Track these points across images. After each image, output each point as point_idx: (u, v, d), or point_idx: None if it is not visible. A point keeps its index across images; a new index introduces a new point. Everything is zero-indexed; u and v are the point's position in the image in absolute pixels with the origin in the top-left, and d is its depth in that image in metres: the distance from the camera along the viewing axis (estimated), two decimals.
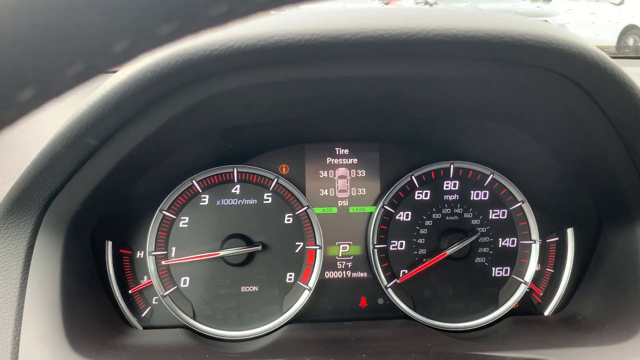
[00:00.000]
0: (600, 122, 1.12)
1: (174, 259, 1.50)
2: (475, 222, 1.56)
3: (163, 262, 1.50)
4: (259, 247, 1.50)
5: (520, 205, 1.56)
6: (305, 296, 1.51)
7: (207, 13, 0.40)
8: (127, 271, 1.52)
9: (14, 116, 0.40)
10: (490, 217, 1.56)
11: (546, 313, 1.55)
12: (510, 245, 1.57)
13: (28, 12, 0.36)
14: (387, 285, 1.53)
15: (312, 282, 1.52)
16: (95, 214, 1.33)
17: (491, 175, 1.56)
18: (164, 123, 1.05)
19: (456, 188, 1.56)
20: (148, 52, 0.41)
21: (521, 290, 1.54)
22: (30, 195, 1.16)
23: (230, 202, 1.53)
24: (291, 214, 1.55)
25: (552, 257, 1.59)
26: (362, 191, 1.61)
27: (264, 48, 0.87)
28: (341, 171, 1.61)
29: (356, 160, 1.61)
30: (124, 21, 0.38)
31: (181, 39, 0.42)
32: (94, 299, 1.36)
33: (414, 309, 1.53)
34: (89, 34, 0.38)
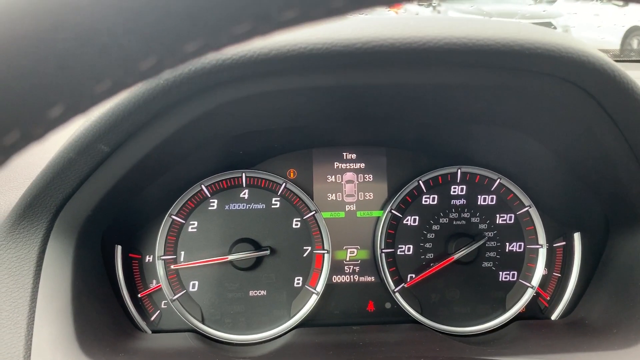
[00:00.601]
0: (608, 129, 1.13)
1: (182, 263, 1.51)
2: (482, 226, 1.57)
3: (172, 267, 1.51)
4: (267, 252, 1.51)
5: (527, 210, 1.56)
6: (313, 300, 1.52)
7: (232, 31, 0.41)
8: (137, 275, 1.53)
9: (42, 132, 0.41)
10: (497, 222, 1.57)
11: (553, 317, 1.56)
12: (517, 250, 1.57)
13: (61, 30, 0.37)
14: (395, 290, 1.54)
15: (320, 286, 1.53)
16: (106, 219, 1.34)
17: (498, 180, 1.56)
18: (175, 130, 1.06)
19: (463, 193, 1.57)
20: (173, 67, 0.42)
21: (528, 295, 1.55)
22: (42, 200, 1.17)
23: (238, 206, 1.54)
24: (299, 219, 1.55)
25: (559, 262, 1.60)
26: (369, 196, 1.62)
27: (276, 57, 0.88)
28: (349, 176, 1.62)
29: (364, 164, 1.62)
30: (152, 40, 0.39)
31: (205, 54, 0.42)
32: (104, 303, 1.37)
33: (422, 313, 1.54)
34: (119, 53, 0.38)
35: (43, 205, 1.18)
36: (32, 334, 1.11)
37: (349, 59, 0.89)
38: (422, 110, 1.24)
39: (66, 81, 0.38)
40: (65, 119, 0.41)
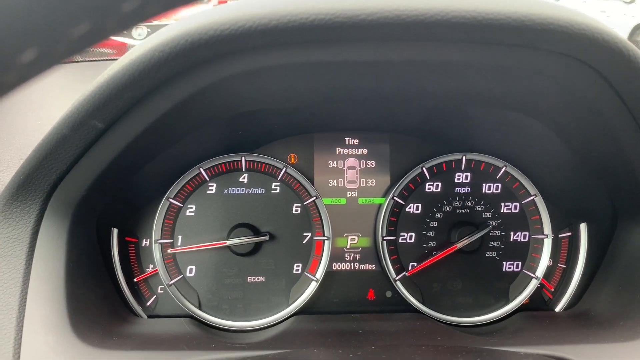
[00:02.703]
0: (618, 112, 1.09)
1: (180, 247, 1.48)
2: (486, 215, 1.53)
3: (169, 251, 1.48)
4: (266, 237, 1.48)
5: (532, 199, 1.53)
6: (312, 287, 1.49)
7: None
8: (133, 259, 1.50)
9: (15, 80, 0.37)
10: (502, 211, 1.53)
11: (557, 309, 1.52)
12: (522, 240, 1.54)
13: None
14: (396, 278, 1.50)
15: (320, 273, 1.50)
16: (101, 200, 1.31)
17: (504, 168, 1.53)
18: (172, 107, 1.03)
19: (468, 180, 1.54)
20: (157, 13, 0.39)
21: (532, 286, 1.51)
22: (35, 179, 1.14)
23: (237, 191, 1.51)
24: (299, 204, 1.52)
25: (565, 253, 1.56)
26: (371, 182, 1.58)
27: (276, 28, 0.84)
28: (351, 162, 1.58)
29: (366, 150, 1.58)
30: None
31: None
32: (98, 286, 1.34)
33: (423, 303, 1.51)
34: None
35: (36, 185, 1.15)
36: (23, 316, 1.08)
37: (353, 31, 0.85)
38: (426, 92, 1.20)
39: (39, 22, 0.35)
40: (41, 66, 0.38)
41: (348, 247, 1.57)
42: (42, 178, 1.15)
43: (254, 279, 1.50)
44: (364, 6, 0.83)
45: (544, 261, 1.52)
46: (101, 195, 1.28)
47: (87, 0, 0.35)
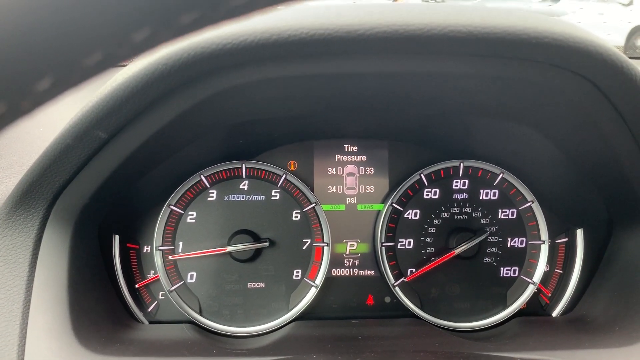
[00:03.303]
0: (613, 122, 1.11)
1: (181, 254, 1.50)
2: (484, 221, 1.55)
3: (170, 257, 1.50)
4: (267, 244, 1.50)
5: (529, 205, 1.54)
6: (312, 293, 1.51)
7: (230, 3, 0.39)
8: (134, 265, 1.52)
9: (30, 106, 0.39)
10: (499, 217, 1.55)
11: (554, 314, 1.54)
12: (519, 246, 1.55)
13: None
14: (395, 284, 1.52)
15: (319, 279, 1.51)
16: (103, 208, 1.33)
17: (501, 175, 1.54)
18: (174, 117, 1.04)
19: (465, 187, 1.55)
20: (168, 42, 0.40)
21: (529, 291, 1.53)
22: (39, 187, 1.16)
23: (238, 197, 1.52)
24: (299, 211, 1.54)
25: (561, 258, 1.58)
26: (370, 189, 1.60)
27: (277, 42, 0.86)
28: (350, 168, 1.60)
29: (365, 157, 1.60)
30: (146, 10, 0.37)
31: (202, 29, 0.41)
32: (100, 292, 1.35)
33: (421, 308, 1.52)
34: (110, 22, 0.37)
35: (40, 193, 1.17)
36: (27, 323, 1.10)
37: (352, 45, 0.87)
38: (424, 101, 1.22)
39: (55, 52, 0.37)
40: (55, 92, 0.39)
41: (347, 253, 1.59)
42: (45, 186, 1.16)
43: (254, 284, 1.52)
44: (363, 21, 0.85)
45: (541, 267, 1.54)
46: (103, 202, 1.30)
47: (101, 31, 0.37)
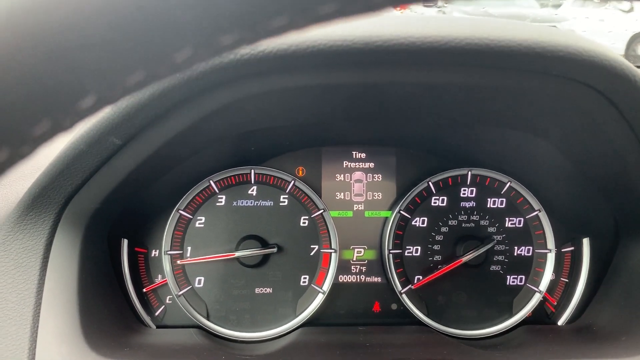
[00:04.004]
0: (623, 133, 1.12)
1: (189, 258, 1.50)
2: (491, 229, 1.56)
3: (178, 262, 1.50)
4: (274, 249, 1.50)
5: (536, 214, 1.55)
6: (319, 299, 1.51)
7: (268, 25, 0.40)
8: (142, 270, 1.52)
9: (72, 123, 0.40)
10: (506, 225, 1.56)
11: (560, 323, 1.55)
12: (526, 254, 1.56)
13: (96, 18, 0.36)
14: (402, 291, 1.53)
15: (327, 285, 1.52)
16: (114, 213, 1.33)
17: (508, 183, 1.55)
18: (188, 125, 1.05)
19: (473, 195, 1.56)
20: (206, 60, 0.41)
21: (535, 299, 1.54)
22: (51, 192, 1.16)
23: (246, 203, 1.53)
24: (307, 217, 1.54)
25: (567, 267, 1.59)
26: (378, 195, 1.61)
27: (295, 53, 0.86)
28: (357, 175, 1.61)
29: (373, 164, 1.61)
30: (188, 32, 0.38)
31: (240, 47, 0.41)
32: (109, 296, 1.36)
33: (428, 315, 1.53)
34: (154, 43, 0.37)
35: (51, 197, 1.17)
36: (37, 327, 1.10)
37: (369, 57, 0.87)
38: (436, 111, 1.23)
39: (101, 72, 0.37)
40: (96, 109, 0.40)
41: (354, 259, 1.59)
42: (57, 191, 1.17)
43: (261, 290, 1.52)
44: (380, 33, 0.86)
45: (547, 275, 1.54)
46: (113, 208, 1.31)
47: (145, 52, 0.38)
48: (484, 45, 0.87)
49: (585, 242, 1.55)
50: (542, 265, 1.55)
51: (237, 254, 1.48)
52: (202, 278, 1.51)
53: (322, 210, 1.54)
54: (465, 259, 1.50)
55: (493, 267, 1.55)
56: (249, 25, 0.39)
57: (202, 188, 1.51)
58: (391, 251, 1.54)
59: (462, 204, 1.56)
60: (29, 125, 0.37)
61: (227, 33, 0.39)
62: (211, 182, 1.51)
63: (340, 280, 1.58)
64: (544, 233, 1.55)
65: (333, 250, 1.53)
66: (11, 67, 0.34)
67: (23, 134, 0.37)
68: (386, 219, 1.59)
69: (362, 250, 1.59)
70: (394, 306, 1.57)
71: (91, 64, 0.37)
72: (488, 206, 1.56)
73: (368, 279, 1.59)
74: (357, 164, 1.61)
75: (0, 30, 0.34)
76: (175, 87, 0.94)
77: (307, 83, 0.95)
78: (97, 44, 0.37)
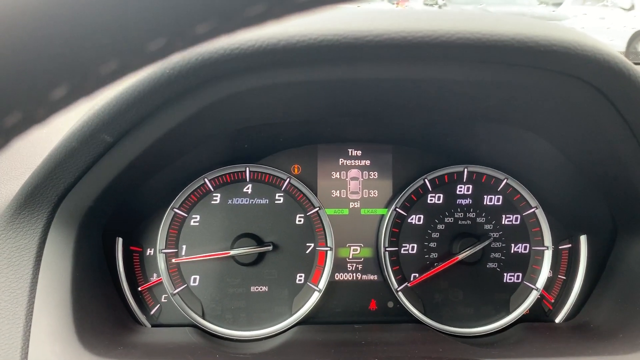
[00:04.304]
0: (619, 129, 1.11)
1: (184, 257, 1.50)
2: (488, 227, 1.55)
3: (173, 260, 1.49)
4: (270, 247, 1.50)
5: (533, 211, 1.54)
6: (315, 297, 1.50)
7: (245, 13, 0.39)
8: (137, 268, 1.51)
9: (45, 114, 0.39)
10: (503, 222, 1.55)
11: (557, 320, 1.54)
12: (523, 251, 1.55)
13: (66, 7, 0.35)
14: (398, 289, 1.52)
15: (322, 283, 1.51)
16: (107, 211, 1.33)
17: (505, 180, 1.54)
18: (180, 121, 1.04)
19: (469, 192, 1.55)
20: (182, 50, 0.40)
21: (533, 297, 1.53)
22: (43, 190, 1.16)
23: (241, 201, 1.52)
24: (302, 215, 1.54)
25: (564, 264, 1.58)
26: (374, 193, 1.60)
27: (285, 48, 0.86)
28: (353, 172, 1.60)
29: (369, 162, 1.60)
30: (162, 20, 0.37)
31: (216, 38, 0.41)
32: (103, 295, 1.35)
33: (424, 313, 1.52)
34: (126, 32, 0.37)
35: (44, 195, 1.17)
36: (30, 325, 1.10)
37: (360, 52, 0.87)
38: (430, 107, 1.22)
39: (71, 61, 0.37)
40: (69, 101, 0.39)
41: (350, 257, 1.59)
42: (50, 189, 1.16)
43: (257, 288, 1.51)
44: (371, 28, 0.85)
45: (544, 273, 1.54)
46: (107, 205, 1.30)
47: (117, 41, 0.37)
48: (476, 40, 0.86)
49: (583, 239, 1.54)
50: (539, 262, 1.55)
51: (233, 252, 1.47)
52: (198, 277, 1.51)
53: (318, 208, 1.53)
54: (461, 256, 1.49)
55: (490, 265, 1.55)
56: (224, 13, 0.38)
57: (197, 186, 1.51)
58: (387, 249, 1.53)
59: (459, 201, 1.55)
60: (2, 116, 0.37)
61: (201, 22, 0.38)
62: (206, 180, 1.51)
63: (336, 279, 1.58)
64: (541, 230, 1.55)
65: (329, 248, 1.53)
66: None
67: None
68: (382, 216, 1.58)
69: (358, 248, 1.59)
70: (390, 304, 1.57)
71: (63, 52, 0.36)
72: (484, 203, 1.55)
73: (364, 277, 1.58)
74: (353, 161, 1.60)
75: None
76: (165, 83, 0.93)
77: (298, 78, 0.94)
78: (69, 32, 0.36)
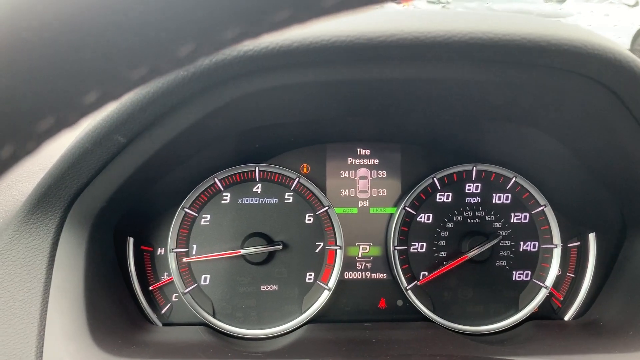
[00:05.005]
0: (629, 127, 1.11)
1: (194, 256, 1.51)
2: (496, 225, 1.55)
3: (184, 260, 1.50)
4: (280, 246, 1.50)
5: (542, 209, 1.55)
6: (324, 296, 1.51)
7: (271, 18, 0.40)
8: (148, 268, 1.52)
9: (76, 118, 0.40)
10: (512, 221, 1.55)
11: (566, 318, 1.54)
12: (532, 249, 1.56)
13: (98, 15, 0.36)
14: (407, 287, 1.53)
15: (332, 282, 1.52)
16: (119, 211, 1.34)
17: (514, 179, 1.55)
18: (193, 122, 1.05)
19: (478, 191, 1.56)
20: (210, 54, 0.41)
21: (542, 295, 1.53)
22: (57, 191, 1.17)
23: (251, 200, 1.53)
24: (312, 214, 1.54)
25: (573, 262, 1.58)
26: (383, 192, 1.60)
27: (298, 49, 0.86)
28: (362, 171, 1.61)
29: (377, 160, 1.61)
30: (192, 25, 0.38)
31: (242, 42, 0.41)
32: (116, 295, 1.36)
33: (434, 312, 1.52)
34: (156, 39, 0.37)
35: (57, 196, 1.18)
36: (44, 325, 1.11)
37: (373, 52, 0.87)
38: (441, 106, 1.22)
39: (103, 67, 0.37)
40: (100, 105, 0.40)
41: (360, 256, 1.59)
42: (63, 190, 1.17)
43: (267, 287, 1.52)
44: (384, 28, 0.85)
45: (553, 271, 1.54)
46: (119, 206, 1.31)
47: (147, 47, 0.38)
48: (488, 40, 0.87)
49: (592, 237, 1.54)
50: (548, 260, 1.55)
51: (243, 251, 1.48)
52: (208, 276, 1.52)
53: (327, 207, 1.54)
54: (470, 254, 1.50)
55: (499, 263, 1.55)
56: (252, 19, 0.39)
57: (207, 186, 1.52)
58: (396, 247, 1.54)
59: (468, 199, 1.56)
60: (34, 121, 0.37)
61: (230, 27, 0.39)
62: (216, 180, 1.51)
63: (346, 277, 1.58)
64: (549, 228, 1.55)
65: (338, 247, 1.53)
66: (14, 61, 0.34)
67: (27, 130, 0.38)
68: (391, 215, 1.59)
69: (368, 246, 1.59)
70: (399, 302, 1.57)
71: (95, 59, 0.37)
72: (493, 202, 1.56)
73: (374, 276, 1.59)
74: (361, 160, 1.61)
75: (1, 23, 0.34)
76: (179, 85, 0.94)
77: (311, 79, 0.95)
78: (100, 40, 0.37)
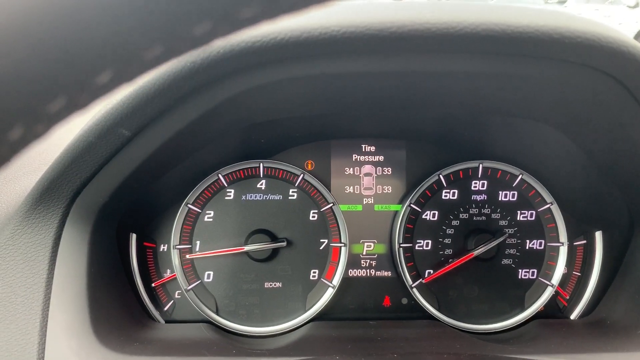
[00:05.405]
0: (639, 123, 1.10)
1: (198, 253, 1.49)
2: (502, 223, 1.54)
3: (187, 256, 1.49)
4: (284, 243, 1.49)
5: (549, 207, 1.53)
6: (329, 294, 1.50)
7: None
8: (151, 264, 1.51)
9: (89, 100, 0.39)
10: (518, 219, 1.54)
11: (572, 317, 1.53)
12: (538, 248, 1.54)
13: None
14: (412, 285, 1.51)
15: (336, 279, 1.51)
16: (122, 206, 1.32)
17: (520, 176, 1.53)
18: (198, 116, 1.04)
19: (484, 188, 1.54)
20: (227, 35, 0.40)
21: (548, 293, 1.52)
22: (60, 185, 1.15)
23: (255, 197, 1.52)
24: (316, 211, 1.53)
25: (580, 260, 1.57)
26: (387, 189, 1.59)
27: (307, 40, 0.85)
28: (367, 168, 1.59)
29: (382, 157, 1.59)
30: (209, 3, 0.36)
31: (261, 22, 0.40)
32: (118, 291, 1.35)
33: (439, 310, 1.51)
34: (175, 15, 0.36)
35: (60, 190, 1.16)
36: (47, 321, 1.09)
37: (382, 43, 0.86)
38: (448, 99, 1.21)
39: (117, 46, 0.36)
40: (113, 86, 0.39)
41: (364, 253, 1.58)
42: (66, 184, 1.16)
43: (271, 284, 1.51)
44: (394, 19, 0.84)
45: (560, 269, 1.53)
46: (122, 201, 1.29)
47: (162, 25, 0.36)
48: (500, 31, 0.85)
49: (598, 235, 1.53)
50: (555, 258, 1.54)
51: (247, 248, 1.47)
52: (211, 272, 1.50)
53: (332, 204, 1.53)
54: (476, 252, 1.48)
55: (505, 261, 1.54)
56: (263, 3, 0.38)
57: (210, 182, 1.50)
58: (401, 245, 1.52)
59: (473, 197, 1.54)
60: (45, 101, 0.36)
61: (246, 6, 0.38)
62: (220, 176, 1.50)
63: (350, 275, 1.57)
64: (556, 226, 1.54)
65: (343, 244, 1.52)
66: (25, 38, 0.33)
67: (39, 110, 0.36)
68: (396, 212, 1.57)
69: (372, 244, 1.58)
70: (404, 300, 1.56)
71: (108, 37, 0.36)
72: (499, 199, 1.54)
73: (378, 273, 1.58)
74: (366, 157, 1.59)
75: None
76: (186, 77, 0.93)
77: (320, 71, 0.93)
78: (115, 17, 0.35)
